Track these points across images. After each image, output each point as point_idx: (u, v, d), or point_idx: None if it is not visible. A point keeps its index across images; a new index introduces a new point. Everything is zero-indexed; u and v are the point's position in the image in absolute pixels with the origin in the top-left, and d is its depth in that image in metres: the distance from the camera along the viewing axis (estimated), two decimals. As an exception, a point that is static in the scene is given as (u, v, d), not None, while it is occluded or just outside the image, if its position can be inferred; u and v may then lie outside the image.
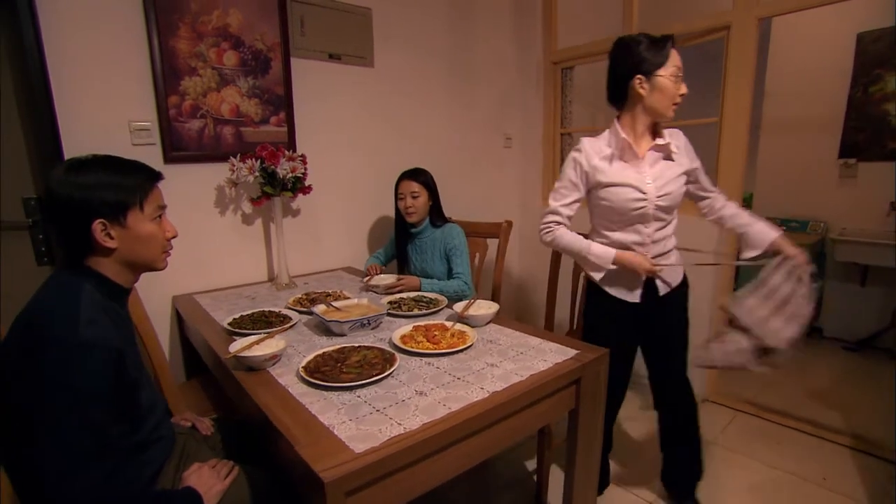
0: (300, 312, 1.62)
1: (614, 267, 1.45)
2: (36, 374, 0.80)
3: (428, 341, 1.33)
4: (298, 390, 1.10)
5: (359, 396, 1.07)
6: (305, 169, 1.99)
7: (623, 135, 1.40)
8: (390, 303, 1.70)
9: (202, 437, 1.22)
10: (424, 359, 1.27)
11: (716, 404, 2.44)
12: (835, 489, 1.82)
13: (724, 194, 1.57)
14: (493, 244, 2.27)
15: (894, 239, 2.78)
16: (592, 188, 1.46)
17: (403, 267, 2.17)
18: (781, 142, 3.37)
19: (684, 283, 1.56)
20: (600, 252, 1.45)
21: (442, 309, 1.66)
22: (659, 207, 1.41)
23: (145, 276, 1.07)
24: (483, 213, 2.83)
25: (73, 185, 0.89)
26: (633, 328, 1.56)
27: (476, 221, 2.34)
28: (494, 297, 2.21)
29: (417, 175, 2.01)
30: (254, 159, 1.86)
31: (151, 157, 1.78)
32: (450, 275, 1.99)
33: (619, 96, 1.43)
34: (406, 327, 1.44)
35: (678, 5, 2.98)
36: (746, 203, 3.46)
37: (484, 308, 1.55)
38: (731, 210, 1.54)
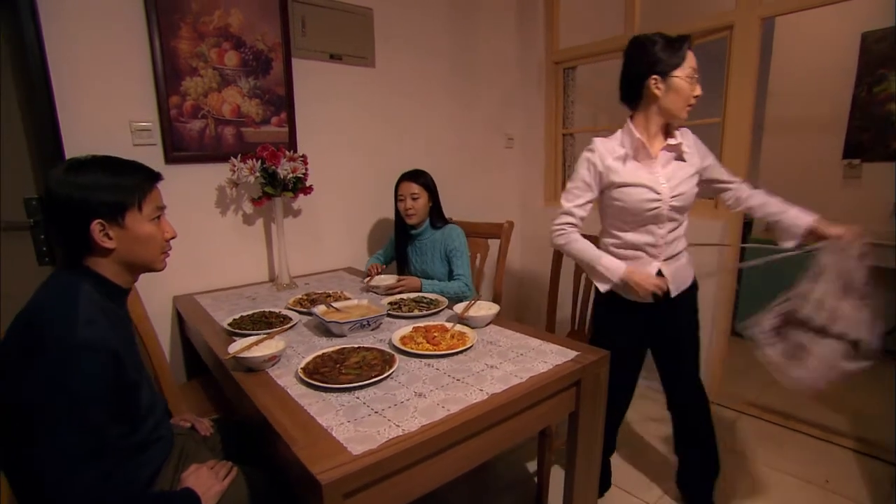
0: (300, 313, 1.61)
1: (619, 283, 1.43)
2: (34, 375, 0.80)
3: (427, 342, 1.33)
4: (297, 391, 1.10)
5: (358, 398, 1.06)
6: (306, 169, 1.99)
7: (637, 135, 1.39)
8: (390, 303, 1.70)
9: (201, 438, 1.21)
10: (424, 360, 1.26)
11: (719, 406, 2.43)
12: (838, 492, 1.80)
13: (747, 183, 1.52)
14: (494, 245, 2.27)
15: (899, 240, 2.76)
16: (606, 188, 1.44)
17: (403, 268, 2.16)
18: (784, 142, 3.35)
19: (694, 285, 1.55)
20: (610, 265, 1.43)
21: (442, 310, 1.66)
22: (673, 208, 1.40)
23: (146, 277, 1.07)
24: (484, 213, 2.83)
25: (71, 185, 0.89)
26: (643, 330, 1.55)
27: (477, 222, 2.33)
28: (495, 298, 2.20)
29: (417, 177, 2.00)
30: (254, 160, 1.86)
31: (152, 157, 1.79)
32: (450, 276, 1.98)
33: (633, 96, 1.41)
34: (406, 328, 1.43)
35: (681, 5, 2.97)
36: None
37: (484, 309, 1.54)
38: (759, 199, 1.48)
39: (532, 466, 1.96)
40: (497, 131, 2.99)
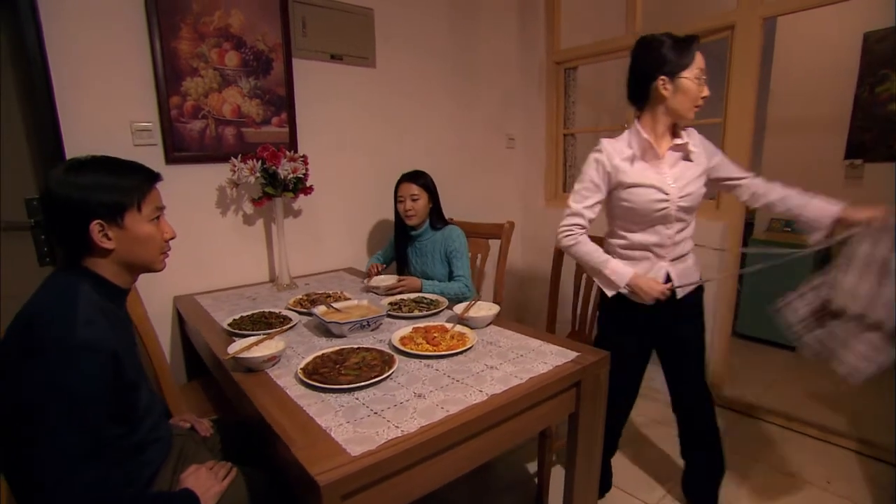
0: (300, 313, 1.61)
1: (625, 290, 1.41)
2: (33, 375, 0.80)
3: (427, 343, 1.33)
4: (296, 392, 1.10)
5: (357, 398, 1.06)
6: (307, 169, 1.99)
7: (645, 135, 1.39)
8: (391, 304, 1.70)
9: (201, 439, 1.21)
10: (423, 361, 1.26)
11: (719, 407, 2.41)
12: (839, 493, 1.80)
13: (760, 177, 1.49)
14: (494, 245, 2.26)
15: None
16: (614, 189, 1.44)
17: (403, 270, 2.16)
18: (786, 143, 3.34)
19: (700, 287, 1.55)
20: (617, 269, 1.41)
21: (442, 310, 1.66)
22: (681, 208, 1.40)
23: (146, 277, 1.07)
24: (485, 213, 2.82)
25: (70, 185, 0.89)
26: (649, 331, 1.54)
27: (478, 222, 2.33)
28: (496, 299, 2.20)
29: (417, 178, 2.00)
30: (255, 160, 1.86)
31: (153, 157, 1.79)
32: (450, 277, 1.98)
33: (641, 96, 1.40)
34: (406, 329, 1.43)
35: (682, 5, 2.96)
36: (751, 204, 3.44)
37: (484, 310, 1.54)
38: (777, 192, 1.43)
39: (532, 467, 1.96)
40: (498, 131, 2.98)
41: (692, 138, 1.44)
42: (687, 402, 1.62)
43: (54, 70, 1.56)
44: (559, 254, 2.02)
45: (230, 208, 2.03)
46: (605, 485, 1.79)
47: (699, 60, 1.33)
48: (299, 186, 1.98)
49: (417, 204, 1.98)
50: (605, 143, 1.44)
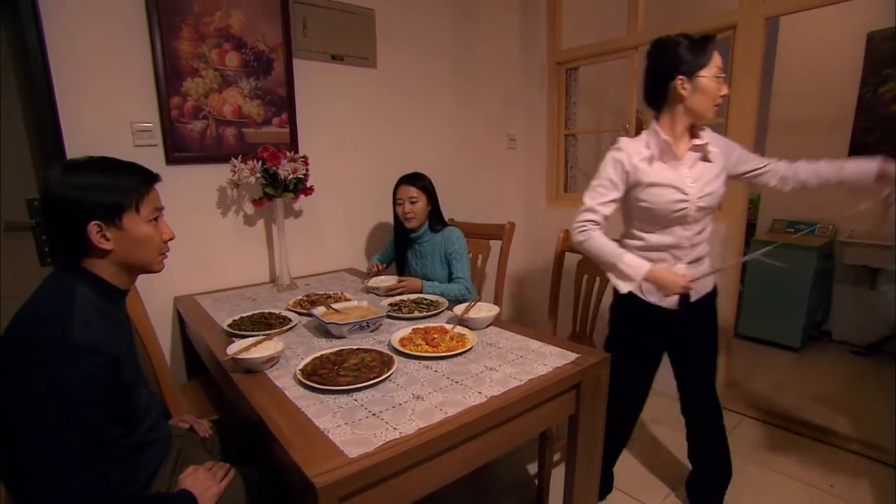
0: (300, 314, 1.61)
1: (643, 281, 1.40)
2: (30, 377, 0.80)
3: (427, 344, 1.32)
4: (295, 393, 1.09)
5: (355, 400, 1.06)
6: (307, 170, 1.99)
7: (664, 136, 1.37)
8: (391, 304, 1.69)
9: (199, 440, 1.21)
10: (423, 362, 1.25)
11: (722, 409, 2.40)
12: (842, 496, 1.78)
13: (784, 160, 1.47)
14: (495, 246, 2.26)
15: (905, 241, 2.74)
16: (632, 188, 1.42)
17: (403, 272, 2.16)
18: (789, 143, 3.32)
19: (714, 290, 1.54)
20: (633, 262, 1.39)
21: (442, 311, 1.65)
22: (700, 209, 1.38)
23: (147, 277, 1.07)
24: (486, 214, 2.82)
25: (68, 186, 0.89)
26: (662, 334, 1.52)
27: (479, 223, 2.33)
28: (496, 300, 2.20)
29: (416, 180, 1.99)
30: (255, 160, 1.86)
31: (153, 158, 1.79)
32: (450, 279, 1.97)
33: (658, 97, 1.39)
34: (405, 330, 1.43)
35: (684, 5, 2.95)
36: (753, 205, 3.43)
37: (484, 311, 1.53)
38: (807, 169, 1.42)
39: (533, 468, 1.95)
40: (499, 132, 2.98)
41: (710, 138, 1.43)
42: (696, 405, 1.61)
43: (55, 70, 1.56)
44: (560, 255, 2.01)
45: (231, 209, 2.03)
46: (606, 487, 1.78)
47: (717, 59, 1.32)
48: (300, 187, 1.98)
49: (416, 206, 1.97)
50: (624, 141, 1.42)
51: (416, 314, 1.60)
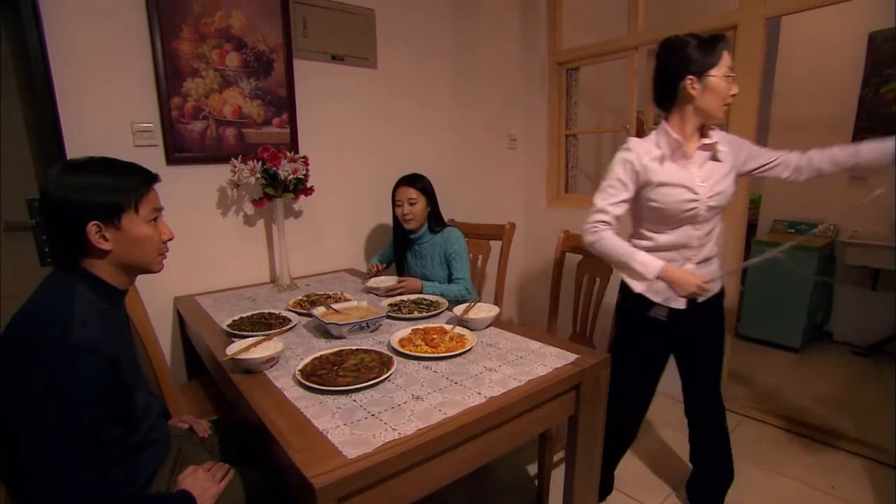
0: (300, 314, 1.61)
1: (657, 280, 1.39)
2: (28, 377, 0.80)
3: (426, 345, 1.32)
4: (294, 394, 1.09)
5: (354, 400, 1.06)
6: (307, 170, 1.99)
7: (675, 135, 1.37)
8: (390, 305, 1.69)
9: (199, 440, 1.21)
10: (422, 363, 1.25)
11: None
12: (844, 498, 1.78)
13: (796, 151, 1.46)
14: (496, 246, 2.26)
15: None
16: (641, 188, 1.41)
17: (403, 273, 2.15)
18: (790, 143, 3.25)
19: (721, 291, 1.53)
20: (646, 261, 1.38)
21: (442, 312, 1.65)
22: (710, 208, 1.38)
23: (147, 277, 1.07)
24: (487, 214, 2.82)
25: (67, 186, 0.89)
26: (669, 335, 1.51)
27: (479, 223, 2.33)
28: (497, 300, 2.19)
29: (414, 181, 1.98)
30: (255, 161, 1.86)
31: (153, 158, 1.79)
32: (450, 280, 1.97)
33: (667, 97, 1.39)
34: (405, 330, 1.42)
35: (684, 5, 2.95)
36: (754, 205, 3.43)
37: (484, 311, 1.53)
38: (820, 156, 1.40)
39: (533, 469, 1.95)
40: (499, 132, 2.98)
41: (719, 137, 1.42)
42: (701, 407, 1.61)
43: (55, 70, 1.57)
44: (560, 255, 2.01)
45: (231, 209, 2.03)
46: (606, 488, 1.78)
47: (727, 58, 1.31)
48: (300, 187, 1.98)
49: (415, 208, 1.96)
50: (634, 141, 1.42)
51: (416, 315, 1.60)
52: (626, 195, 1.41)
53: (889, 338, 2.96)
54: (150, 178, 0.99)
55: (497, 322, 1.55)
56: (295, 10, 2.06)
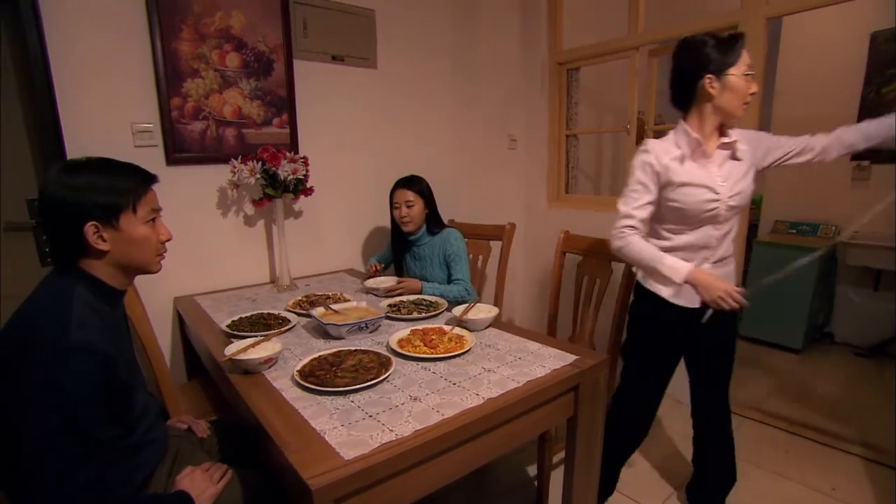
0: (299, 315, 1.61)
1: (684, 283, 1.37)
2: (26, 377, 0.80)
3: (425, 345, 1.32)
4: (292, 394, 1.09)
5: (352, 401, 1.06)
6: (307, 171, 1.99)
7: (695, 134, 1.36)
8: (390, 305, 1.69)
9: (197, 440, 1.21)
10: (421, 363, 1.25)
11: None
12: (844, 499, 1.77)
13: (820, 133, 1.43)
14: (496, 246, 2.26)
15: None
16: (662, 188, 1.40)
17: (402, 275, 2.15)
18: (792, 143, 3.31)
19: None
20: (674, 265, 1.37)
21: (441, 312, 1.65)
22: (730, 208, 1.37)
23: (147, 278, 1.07)
24: (487, 214, 2.81)
25: (66, 186, 0.89)
26: (682, 338, 1.50)
27: (479, 224, 2.32)
28: (497, 301, 2.19)
29: (412, 183, 1.98)
30: (255, 161, 1.86)
31: (153, 158, 1.79)
32: (450, 281, 1.97)
33: (686, 97, 1.38)
34: (404, 331, 1.42)
35: (685, 5, 2.94)
36: (755, 206, 3.42)
37: (483, 312, 1.53)
38: (848, 132, 1.41)
39: (532, 470, 1.94)
40: (500, 132, 2.97)
41: (738, 135, 1.41)
42: (708, 409, 1.60)
43: (55, 70, 1.57)
44: (560, 255, 2.01)
45: (231, 209, 2.03)
46: (608, 490, 1.77)
47: (745, 57, 1.31)
48: (300, 188, 1.98)
49: (413, 210, 1.96)
50: (652, 142, 1.41)
51: (415, 315, 1.60)
52: (650, 197, 1.40)
53: (890, 339, 2.96)
54: (148, 179, 0.99)
55: (496, 323, 1.54)
56: (295, 11, 2.06)
